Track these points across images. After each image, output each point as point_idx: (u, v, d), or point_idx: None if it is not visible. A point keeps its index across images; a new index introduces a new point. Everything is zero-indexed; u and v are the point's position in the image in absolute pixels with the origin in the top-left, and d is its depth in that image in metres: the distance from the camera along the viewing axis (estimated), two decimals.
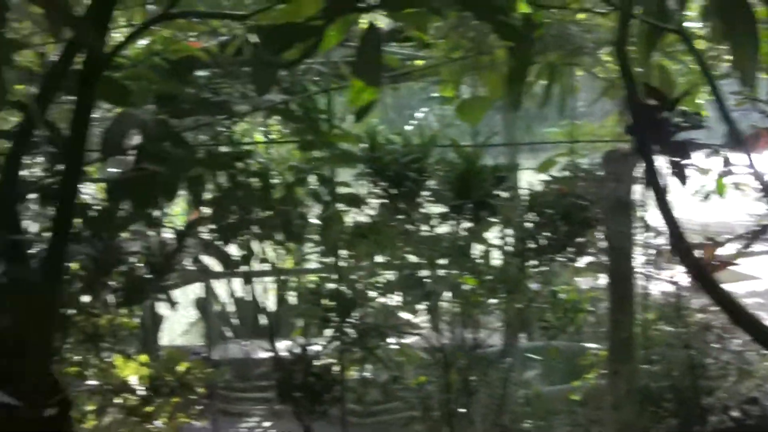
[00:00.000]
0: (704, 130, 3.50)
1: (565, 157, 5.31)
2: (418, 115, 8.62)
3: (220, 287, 9.41)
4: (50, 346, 2.75)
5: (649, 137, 3.07)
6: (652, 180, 2.26)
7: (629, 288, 4.71)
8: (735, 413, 5.98)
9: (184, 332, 9.59)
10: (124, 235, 4.46)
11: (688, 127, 3.44)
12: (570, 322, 5.60)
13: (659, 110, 3.09)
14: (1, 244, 2.86)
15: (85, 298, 4.21)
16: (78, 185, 2.59)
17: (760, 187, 2.89)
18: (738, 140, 2.73)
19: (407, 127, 7.48)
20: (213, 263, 5.68)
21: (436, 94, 7.86)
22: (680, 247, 2.21)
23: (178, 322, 8.94)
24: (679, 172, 3.35)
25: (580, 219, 4.94)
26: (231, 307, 9.86)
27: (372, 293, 5.57)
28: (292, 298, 5.92)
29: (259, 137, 4.68)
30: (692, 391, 5.74)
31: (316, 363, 5.34)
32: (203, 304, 8.68)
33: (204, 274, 6.25)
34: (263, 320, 9.93)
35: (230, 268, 6.02)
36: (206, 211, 5.00)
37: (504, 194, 4.92)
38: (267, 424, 8.32)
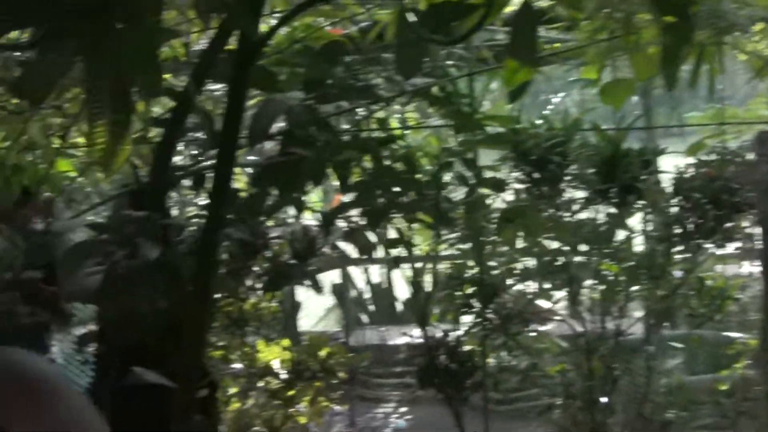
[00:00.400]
0: None
1: (714, 140, 5.16)
2: (555, 100, 8.50)
3: (356, 274, 9.49)
4: (204, 330, 2.80)
5: None
6: None
7: None
8: None
9: (321, 318, 9.69)
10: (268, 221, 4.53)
11: None
12: (717, 311, 5.43)
13: None
14: (154, 229, 2.92)
15: (231, 283, 4.28)
16: (232, 171, 2.62)
17: None
18: None
19: (544, 113, 7.38)
20: (349, 249, 5.73)
21: (573, 79, 7.74)
22: None
23: (315, 308, 9.03)
24: None
25: (730, 203, 4.78)
26: (367, 294, 9.94)
27: (512, 279, 5.53)
28: (429, 284, 5.89)
29: (394, 123, 4.67)
30: None
31: (457, 349, 5.32)
32: (340, 290, 8.76)
33: (342, 261, 6.29)
34: (399, 307, 9.99)
35: (368, 254, 6.04)
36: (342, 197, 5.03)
37: (650, 178, 4.80)
38: (403, 409, 8.36)
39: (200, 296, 2.72)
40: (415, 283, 9.30)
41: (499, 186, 4.15)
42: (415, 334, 8.29)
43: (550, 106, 8.57)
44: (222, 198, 2.63)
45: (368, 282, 9.85)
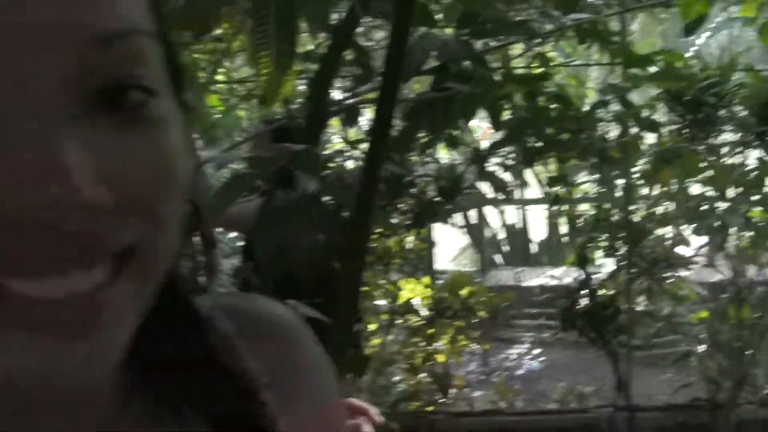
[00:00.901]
0: None
1: None
2: (699, 41, 8.19)
3: (492, 214, 9.44)
4: (362, 265, 2.80)
5: None
6: None
7: None
8: None
9: (455, 257, 9.68)
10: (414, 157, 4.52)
11: None
12: None
13: None
14: (312, 162, 2.92)
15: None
16: (394, 107, 2.59)
17: None
18: None
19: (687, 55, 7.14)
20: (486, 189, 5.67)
21: (719, 19, 7.45)
22: None
23: (449, 247, 9.02)
24: None
25: None
26: (502, 234, 9.88)
27: (658, 223, 5.41)
28: (571, 226, 5.81)
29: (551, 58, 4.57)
30: None
31: (601, 292, 5.24)
32: (475, 230, 8.74)
33: (478, 200, 6.25)
34: (534, 248, 9.91)
35: (507, 194, 5.98)
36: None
37: None
38: (536, 351, 8.32)
39: (359, 231, 2.71)
40: (551, 224, 9.23)
41: (654, 127, 4.03)
42: (552, 276, 8.24)
43: (693, 48, 8.27)
44: (383, 133, 2.61)
45: (503, 222, 9.79)
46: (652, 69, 4.04)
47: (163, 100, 0.55)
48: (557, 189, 3.98)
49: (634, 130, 4.17)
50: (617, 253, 5.14)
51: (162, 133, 0.55)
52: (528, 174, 6.94)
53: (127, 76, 0.52)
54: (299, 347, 0.80)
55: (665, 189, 4.48)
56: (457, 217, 7.72)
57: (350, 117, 3.47)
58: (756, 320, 5.11)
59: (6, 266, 0.49)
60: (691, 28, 2.44)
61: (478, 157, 3.86)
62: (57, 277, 0.50)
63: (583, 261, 5.18)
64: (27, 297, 0.50)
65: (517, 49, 3.98)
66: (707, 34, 9.84)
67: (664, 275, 5.30)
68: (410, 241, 4.97)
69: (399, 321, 5.40)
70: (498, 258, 9.70)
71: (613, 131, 4.06)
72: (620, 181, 4.83)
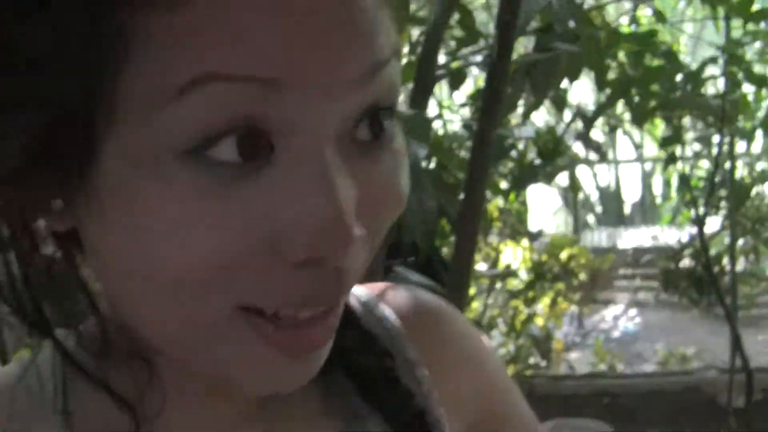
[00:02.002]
0: None
1: None
2: None
3: (585, 175, 9.35)
4: (476, 230, 2.77)
5: None
6: None
7: None
8: None
9: (549, 219, 9.63)
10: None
11: None
12: None
13: None
14: (423, 126, 2.90)
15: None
16: (508, 68, 2.55)
17: None
18: None
19: None
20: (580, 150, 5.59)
21: None
22: None
23: (542, 209, 8.96)
24: None
25: None
26: (595, 196, 9.79)
27: (762, 182, 5.30)
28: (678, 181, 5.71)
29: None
30: None
31: (704, 252, 5.15)
32: (568, 192, 8.66)
33: (571, 162, 6.18)
34: (627, 209, 9.80)
35: (601, 155, 5.91)
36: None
37: None
38: (632, 313, 8.25)
39: (474, 196, 2.69)
40: (647, 184, 9.10)
41: (764, 82, 3.91)
42: (652, 236, 8.13)
43: None
44: (498, 96, 2.56)
45: (596, 184, 9.69)
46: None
47: (397, 123, 0.57)
48: (671, 148, 3.89)
49: (744, 87, 4.05)
50: (720, 212, 5.03)
51: (400, 158, 0.56)
52: (620, 135, 6.83)
53: (383, 100, 0.54)
54: (463, 337, 0.80)
55: None
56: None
57: (456, 80, 3.43)
58: None
59: (279, 298, 0.53)
60: None
61: (584, 118, 3.79)
62: (308, 308, 0.54)
63: (694, 221, 5.09)
64: (279, 319, 0.54)
65: (610, 9, 3.89)
66: None
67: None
68: (509, 204, 4.92)
69: (499, 285, 5.38)
70: (591, 219, 9.62)
71: (721, 88, 3.95)
72: (725, 139, 4.71)
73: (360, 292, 0.75)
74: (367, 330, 0.73)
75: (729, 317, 4.01)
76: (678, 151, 5.08)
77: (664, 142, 3.78)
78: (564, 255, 5.21)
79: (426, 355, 0.75)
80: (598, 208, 9.76)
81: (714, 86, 4.40)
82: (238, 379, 0.57)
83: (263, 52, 0.48)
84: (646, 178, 9.95)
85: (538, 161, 4.66)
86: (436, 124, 4.39)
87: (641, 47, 3.35)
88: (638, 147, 9.07)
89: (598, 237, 8.96)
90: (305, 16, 0.49)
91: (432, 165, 3.40)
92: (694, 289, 4.98)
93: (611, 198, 9.67)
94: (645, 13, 4.79)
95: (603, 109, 3.63)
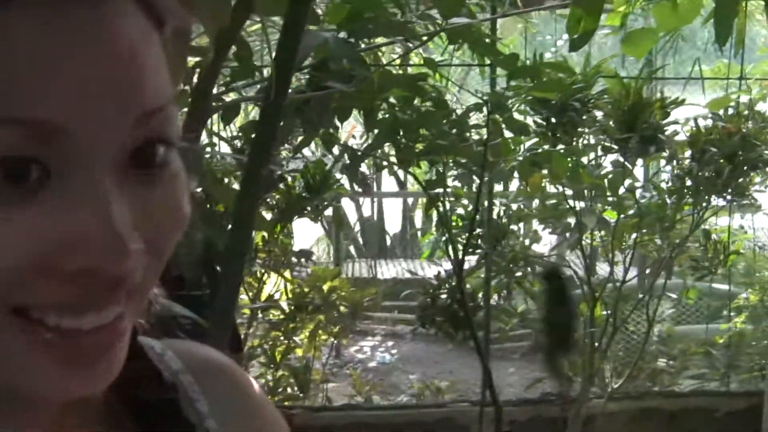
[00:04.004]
0: None
1: (737, 96, 5.14)
2: (560, 43, 8.43)
3: (348, 206, 9.48)
4: (242, 264, 2.76)
5: None
6: None
7: None
8: None
9: (311, 249, 9.70)
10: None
11: None
12: (721, 264, 5.46)
13: None
14: (194, 159, 2.87)
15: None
16: (283, 104, 2.56)
17: None
18: None
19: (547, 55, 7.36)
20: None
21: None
22: None
23: (304, 238, 9.02)
24: None
25: (747, 160, 4.77)
26: (358, 227, 9.94)
27: (518, 222, 5.53)
28: (430, 221, 5.88)
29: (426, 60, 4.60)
30: None
31: (460, 288, 5.31)
32: (332, 222, 8.74)
33: (341, 194, 6.26)
34: (389, 241, 10.01)
35: (365, 189, 6.02)
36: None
37: (670, 129, 4.77)
38: (389, 344, 8.42)
39: (241, 229, 2.68)
40: (409, 218, 9.33)
41: (524, 130, 4.11)
42: (410, 270, 8.33)
43: (553, 49, 8.51)
44: (272, 130, 2.57)
45: (360, 215, 9.85)
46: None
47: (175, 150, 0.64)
48: (434, 190, 4.01)
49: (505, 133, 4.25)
50: (477, 251, 5.21)
51: (177, 182, 0.64)
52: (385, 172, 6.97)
53: (159, 135, 0.62)
54: (244, 387, 0.87)
55: (535, 188, 4.57)
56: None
57: (229, 114, 3.42)
58: (607, 317, 5.27)
59: (49, 305, 0.58)
60: (578, 42, 2.48)
61: (352, 156, 3.86)
62: (93, 314, 0.60)
63: (450, 257, 5.23)
64: (61, 329, 0.59)
65: (388, 52, 4.00)
66: (566, 36, 10.11)
67: (522, 272, 5.42)
68: (275, 235, 4.92)
69: (260, 315, 5.37)
70: (353, 250, 9.76)
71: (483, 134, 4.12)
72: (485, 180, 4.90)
73: (149, 341, 0.80)
74: (154, 364, 0.79)
75: (479, 352, 4.17)
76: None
77: (428, 185, 3.90)
78: (326, 287, 5.25)
79: (210, 403, 0.80)
80: (361, 239, 9.92)
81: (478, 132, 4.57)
82: (22, 386, 0.61)
83: (35, 97, 0.54)
84: (408, 211, 10.20)
85: (305, 194, 4.71)
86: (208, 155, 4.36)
87: (410, 91, 3.44)
88: (401, 181, 9.29)
89: (358, 268, 9.10)
90: (80, 67, 0.56)
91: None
92: (449, 324, 5.12)
93: (373, 229, 9.85)
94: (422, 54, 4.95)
95: (372, 149, 3.71)
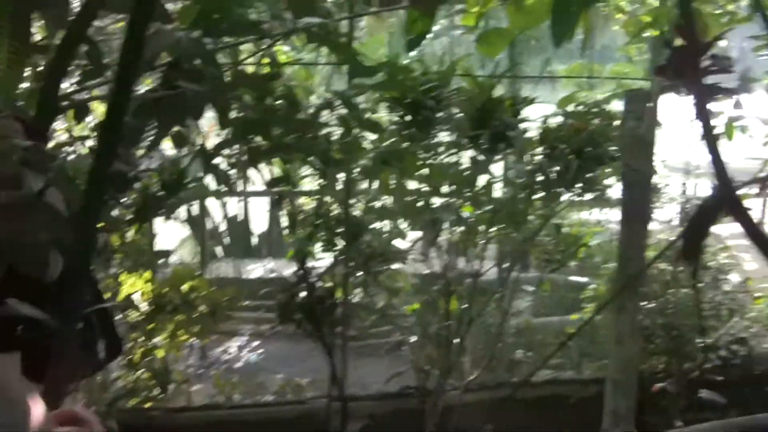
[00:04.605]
0: (733, 73, 3.51)
1: (584, 94, 5.32)
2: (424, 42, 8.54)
3: (214, 206, 9.42)
4: (89, 263, 2.75)
5: (680, 79, 3.08)
6: (703, 122, 2.24)
7: (643, 225, 4.75)
8: (723, 353, 6.11)
9: (175, 250, 9.59)
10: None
11: (718, 70, 3.45)
12: (571, 257, 5.65)
13: (690, 53, 3.10)
14: (40, 158, 2.84)
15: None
16: (128, 102, 2.56)
17: None
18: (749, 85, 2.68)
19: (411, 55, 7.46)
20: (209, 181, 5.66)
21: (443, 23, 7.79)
22: (725, 187, 2.18)
23: (169, 239, 8.92)
24: (703, 114, 3.38)
25: (593, 155, 4.94)
26: (223, 226, 9.88)
27: (377, 219, 5.60)
28: (292, 220, 5.90)
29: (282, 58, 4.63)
30: (686, 329, 5.86)
31: (318, 285, 5.35)
32: (196, 222, 8.68)
33: (202, 192, 6.23)
34: (255, 240, 9.97)
35: (229, 187, 6.00)
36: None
37: (520, 126, 4.91)
38: (255, 344, 8.39)
39: (86, 228, 2.66)
40: (274, 217, 9.30)
41: (375, 128, 4.18)
42: (273, 269, 8.32)
43: (419, 48, 8.62)
44: (116, 129, 2.56)
45: (225, 215, 9.79)
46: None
47: None
48: (280, 188, 4.04)
49: (357, 130, 4.30)
50: (335, 248, 5.26)
51: None
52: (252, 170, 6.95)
53: None
54: None
55: (385, 185, 4.64)
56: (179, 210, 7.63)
57: (80, 112, 3.38)
58: (463, 311, 5.38)
59: None
60: (414, 43, 2.55)
61: (204, 154, 3.86)
62: None
63: (302, 255, 5.27)
64: None
65: (246, 50, 4.01)
66: (431, 36, 10.28)
67: (380, 269, 5.48)
68: (131, 235, 4.88)
69: (119, 316, 5.30)
70: (219, 250, 9.70)
71: (338, 131, 4.18)
72: (341, 178, 4.96)
73: None
74: None
75: (327, 348, 4.21)
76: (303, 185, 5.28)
77: (272, 183, 3.93)
78: (185, 287, 5.23)
79: None
80: (227, 239, 9.86)
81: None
82: None
83: None
84: (275, 210, 10.17)
85: (161, 193, 4.67)
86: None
87: (259, 91, 3.46)
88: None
89: (225, 268, 9.05)
90: None
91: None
92: (308, 322, 5.17)
93: (240, 229, 9.80)
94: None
95: (221, 148, 3.72)
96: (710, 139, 2.30)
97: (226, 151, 4.11)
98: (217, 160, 4.25)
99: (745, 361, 6.13)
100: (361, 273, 5.38)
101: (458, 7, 4.70)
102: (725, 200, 2.38)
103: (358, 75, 3.50)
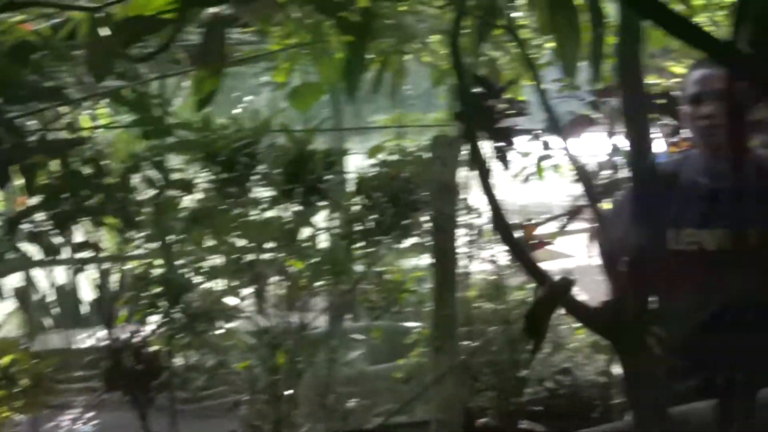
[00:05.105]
0: (528, 115, 3.73)
1: (395, 142, 5.49)
2: (247, 98, 8.64)
3: (40, 276, 9.19)
4: None
5: (476, 123, 3.25)
6: (477, 163, 2.37)
7: (452, 267, 4.90)
8: (549, 384, 6.33)
9: (2, 324, 9.31)
10: None
11: (513, 113, 3.65)
12: (394, 302, 5.77)
13: (486, 98, 3.28)
14: None
15: None
16: None
17: (576, 170, 3.11)
18: (556, 126, 2.88)
19: (235, 111, 7.54)
20: (34, 252, 5.57)
21: (266, 79, 7.90)
22: (500, 226, 2.31)
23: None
24: (502, 157, 3.56)
25: (407, 202, 5.10)
26: (52, 297, 9.64)
27: (200, 278, 5.59)
28: (116, 284, 5.85)
29: (86, 122, 4.62)
30: (510, 364, 6.04)
31: (143, 350, 5.31)
32: (22, 294, 8.45)
33: (25, 263, 6.12)
34: (85, 309, 9.75)
35: (53, 256, 5.92)
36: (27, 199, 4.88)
37: (334, 178, 5.03)
38: (90, 414, 8.19)
39: None
40: (102, 285, 9.13)
41: (187, 187, 4.22)
42: (101, 337, 8.17)
43: (242, 104, 8.70)
44: None
45: (53, 284, 9.56)
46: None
47: None
48: (86, 253, 4.03)
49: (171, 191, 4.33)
50: (158, 310, 5.23)
51: None
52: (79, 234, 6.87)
53: None
54: None
55: (198, 244, 4.67)
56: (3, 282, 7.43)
57: None
58: (292, 364, 5.42)
59: None
60: (202, 103, 2.62)
61: (11, 223, 3.82)
62: None
63: (127, 320, 5.24)
64: None
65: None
66: (254, 93, 10.40)
67: (208, 328, 5.47)
68: None
69: None
70: (49, 321, 9.46)
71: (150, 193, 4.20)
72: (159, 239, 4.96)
73: None
74: None
75: (142, 416, 4.17)
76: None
77: (77, 248, 3.92)
78: (5, 361, 5.09)
79: None
80: (56, 309, 9.62)
81: None
82: None
83: None
84: (105, 276, 9.98)
85: None
86: None
87: (63, 156, 3.47)
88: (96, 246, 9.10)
89: (54, 339, 8.84)
90: None
91: None
92: (133, 387, 5.11)
93: (68, 298, 9.59)
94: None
95: (26, 215, 3.69)
96: (484, 177, 2.40)
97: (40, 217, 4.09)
98: (29, 227, 4.22)
99: (570, 390, 6.35)
100: (188, 333, 5.35)
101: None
102: (498, 229, 2.50)
103: (152, 136, 3.54)
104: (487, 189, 2.31)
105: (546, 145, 5.54)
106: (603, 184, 5.35)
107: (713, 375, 3.25)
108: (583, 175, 3.47)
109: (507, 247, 2.41)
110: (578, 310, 2.05)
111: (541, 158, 5.62)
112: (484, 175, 2.32)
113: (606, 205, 4.75)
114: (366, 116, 7.79)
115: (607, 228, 3.29)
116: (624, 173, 5.13)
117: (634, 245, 2.05)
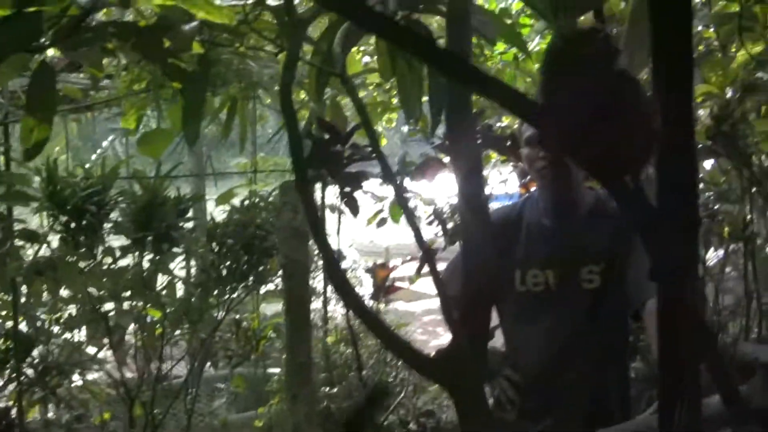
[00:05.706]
0: (386, 157, 3.74)
1: (247, 188, 5.46)
2: (104, 143, 8.51)
3: None
4: None
5: (322, 169, 3.25)
6: (309, 214, 2.34)
7: (305, 314, 4.88)
8: (413, 426, 6.36)
9: None
10: None
11: (359, 158, 3.67)
12: (253, 349, 5.72)
13: (332, 143, 3.28)
14: None
15: None
16: None
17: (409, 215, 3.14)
18: (389, 172, 2.85)
19: (93, 156, 7.41)
20: None
21: (114, 127, 7.79)
22: (333, 273, 2.26)
23: None
24: (350, 201, 3.57)
25: (261, 248, 5.07)
26: None
27: (54, 330, 5.43)
28: None
29: None
30: (372, 408, 6.04)
31: None
32: None
33: None
34: None
35: None
36: None
37: (187, 225, 4.96)
38: None
39: None
40: None
41: (33, 238, 4.11)
42: None
43: (99, 150, 8.57)
44: None
45: None
46: None
47: None
48: None
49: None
50: (7, 366, 5.05)
51: None
52: None
53: None
54: None
55: (37, 296, 4.55)
56: None
57: None
58: (149, 415, 5.30)
59: None
60: (32, 152, 2.54)
61: None
62: None
63: None
64: None
65: None
66: (111, 137, 10.25)
67: (61, 381, 5.31)
68: None
69: None
70: None
71: None
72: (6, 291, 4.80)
73: None
74: None
75: None
76: None
77: None
78: None
79: None
80: None
81: None
82: None
83: None
84: None
85: None
86: None
87: None
88: None
89: None
90: None
91: None
92: None
93: None
94: None
95: None
96: (314, 227, 2.36)
97: None
98: None
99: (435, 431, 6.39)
100: (38, 388, 5.19)
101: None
102: (331, 278, 2.47)
103: None
104: (320, 239, 2.29)
105: (398, 189, 5.59)
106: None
107: (559, 416, 3.31)
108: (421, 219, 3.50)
109: (339, 294, 2.39)
110: (413, 360, 2.04)
111: (395, 201, 5.67)
112: (315, 221, 2.29)
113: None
114: (228, 161, 7.74)
115: (446, 274, 3.32)
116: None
117: (466, 291, 2.06)
